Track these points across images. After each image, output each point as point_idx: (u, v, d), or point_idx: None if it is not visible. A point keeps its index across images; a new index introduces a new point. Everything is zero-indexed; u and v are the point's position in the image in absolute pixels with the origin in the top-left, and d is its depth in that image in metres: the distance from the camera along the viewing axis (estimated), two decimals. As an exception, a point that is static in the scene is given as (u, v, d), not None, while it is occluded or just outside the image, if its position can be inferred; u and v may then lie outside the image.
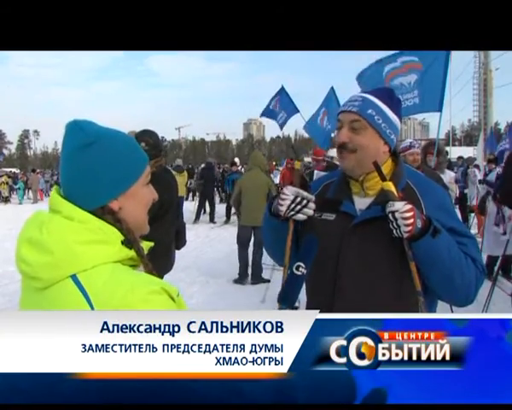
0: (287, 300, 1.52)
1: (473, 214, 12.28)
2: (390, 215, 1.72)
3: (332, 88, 8.97)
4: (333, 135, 9.61)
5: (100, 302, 1.14)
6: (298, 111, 10.74)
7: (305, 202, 1.96)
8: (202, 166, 17.05)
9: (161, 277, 4.37)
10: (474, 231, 11.33)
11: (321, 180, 2.15)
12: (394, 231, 1.74)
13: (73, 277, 1.17)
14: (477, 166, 12.22)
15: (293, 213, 1.96)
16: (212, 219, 15.76)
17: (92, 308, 1.13)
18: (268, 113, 11.72)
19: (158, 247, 4.02)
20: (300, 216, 1.97)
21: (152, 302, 1.15)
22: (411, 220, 1.69)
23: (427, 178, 2.00)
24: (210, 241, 12.27)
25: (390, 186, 1.75)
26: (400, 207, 1.70)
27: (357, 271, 1.85)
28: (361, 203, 1.93)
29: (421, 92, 6.70)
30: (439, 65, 6.47)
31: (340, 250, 1.88)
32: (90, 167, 1.23)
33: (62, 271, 1.17)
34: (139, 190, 1.31)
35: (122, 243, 1.24)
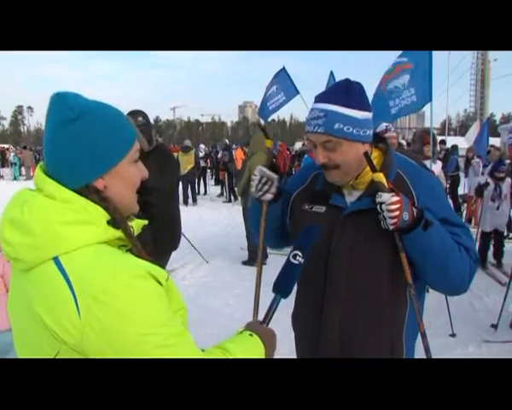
0: (281, 289, 1.47)
1: (465, 205, 12.31)
2: (378, 206, 1.71)
3: (331, 73, 8.85)
4: None
5: (81, 287, 1.09)
6: (298, 93, 10.58)
7: (270, 182, 1.97)
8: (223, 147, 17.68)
9: (172, 247, 4.35)
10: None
11: (309, 170, 2.11)
12: (382, 223, 1.73)
13: (56, 259, 1.12)
14: (480, 157, 12.14)
15: (260, 193, 2.01)
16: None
17: (73, 293, 1.08)
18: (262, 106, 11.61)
19: (170, 218, 4.14)
20: (267, 196, 2.00)
21: (135, 288, 1.11)
22: (397, 213, 1.67)
23: (418, 167, 1.95)
24: (204, 223, 12.24)
25: (380, 177, 1.73)
26: (387, 198, 1.68)
27: (348, 263, 1.84)
28: (351, 196, 1.91)
29: (416, 89, 6.81)
30: (426, 60, 6.64)
31: (331, 242, 1.86)
32: (74, 143, 1.18)
33: (44, 253, 1.13)
34: (126, 167, 1.25)
35: (108, 222, 1.20)
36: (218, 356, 1.26)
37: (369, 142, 1.83)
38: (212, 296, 6.41)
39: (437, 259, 1.74)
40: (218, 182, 20.52)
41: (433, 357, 1.83)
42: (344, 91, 1.79)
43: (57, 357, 1.12)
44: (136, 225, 1.33)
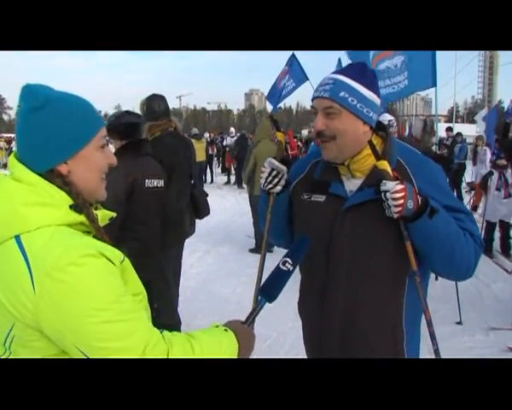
0: (268, 294, 1.47)
1: (472, 192, 12.25)
2: (382, 195, 1.70)
3: (339, 60, 8.76)
4: None
5: (36, 264, 1.15)
6: (307, 79, 10.47)
7: (280, 175, 1.97)
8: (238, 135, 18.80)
9: (176, 243, 4.13)
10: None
11: (308, 159, 2.09)
12: (386, 211, 1.72)
13: (17, 238, 1.19)
14: (488, 145, 12.03)
15: (270, 186, 1.99)
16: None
17: (29, 269, 1.14)
18: (272, 93, 11.52)
19: (168, 212, 3.85)
20: (277, 189, 1.99)
21: (85, 265, 1.16)
22: (401, 201, 1.66)
23: (420, 154, 1.93)
24: (211, 210, 12.25)
25: (385, 165, 1.71)
26: (391, 187, 1.67)
27: (349, 252, 1.83)
28: (350, 184, 1.89)
29: (410, 72, 6.63)
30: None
31: (332, 233, 1.86)
32: (38, 130, 1.26)
33: (5, 231, 1.20)
34: (91, 153, 1.32)
35: (70, 207, 1.26)
36: (179, 340, 1.26)
37: (370, 124, 1.83)
38: (219, 284, 6.45)
39: (443, 246, 1.74)
40: (224, 170, 20.50)
41: (440, 345, 1.83)
42: (357, 69, 1.83)
43: (13, 330, 1.18)
44: (103, 215, 1.38)
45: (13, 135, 47.18)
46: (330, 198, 1.90)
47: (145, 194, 3.32)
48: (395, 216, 1.70)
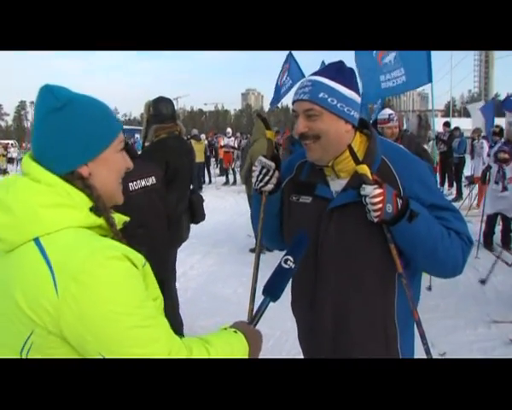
0: (271, 292, 1.48)
1: (471, 186, 12.23)
2: (363, 199, 1.71)
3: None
4: None
5: (60, 266, 1.11)
6: (304, 77, 10.46)
7: (270, 172, 1.97)
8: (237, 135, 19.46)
9: (170, 247, 4.05)
10: (467, 203, 11.38)
11: (295, 160, 2.09)
12: (367, 215, 1.73)
13: (36, 240, 1.16)
14: (485, 138, 12.00)
15: (261, 184, 1.98)
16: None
17: (52, 272, 1.11)
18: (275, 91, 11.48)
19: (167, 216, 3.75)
20: (268, 187, 1.98)
21: (111, 268, 1.13)
22: (379, 206, 1.66)
23: (405, 152, 1.92)
24: (210, 212, 12.23)
25: (364, 169, 1.71)
26: (369, 191, 1.68)
27: (337, 255, 1.83)
28: (336, 185, 1.88)
29: (407, 69, 6.64)
30: None
31: (318, 235, 1.85)
32: (59, 131, 1.23)
33: (24, 233, 1.16)
34: (111, 156, 1.30)
35: (90, 209, 1.24)
36: (196, 345, 1.25)
37: (352, 123, 1.82)
38: (220, 285, 6.44)
39: (425, 248, 1.74)
40: (222, 171, 20.47)
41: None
42: (335, 68, 1.82)
43: (31, 337, 1.14)
44: (118, 219, 1.36)
45: (10, 141, 47.20)
46: (316, 200, 1.90)
47: (131, 198, 3.20)
48: (375, 220, 1.71)
